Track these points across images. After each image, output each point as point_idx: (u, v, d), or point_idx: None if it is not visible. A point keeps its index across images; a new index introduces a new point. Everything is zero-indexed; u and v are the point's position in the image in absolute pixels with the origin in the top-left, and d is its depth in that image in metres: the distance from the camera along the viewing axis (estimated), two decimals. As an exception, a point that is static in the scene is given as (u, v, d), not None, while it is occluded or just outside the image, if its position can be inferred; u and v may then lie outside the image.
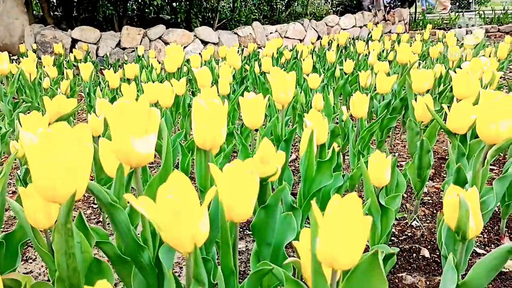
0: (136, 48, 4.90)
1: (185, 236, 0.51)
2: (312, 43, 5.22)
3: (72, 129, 0.56)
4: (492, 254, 0.69)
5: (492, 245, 1.35)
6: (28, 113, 2.62)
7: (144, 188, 0.77)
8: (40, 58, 4.62)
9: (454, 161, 1.11)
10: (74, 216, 1.17)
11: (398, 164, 1.98)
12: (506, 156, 2.03)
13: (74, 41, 5.39)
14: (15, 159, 1.98)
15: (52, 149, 0.53)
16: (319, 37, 7.14)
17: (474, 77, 1.39)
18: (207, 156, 0.89)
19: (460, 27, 8.03)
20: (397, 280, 1.17)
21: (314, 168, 0.97)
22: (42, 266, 1.27)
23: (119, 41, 5.54)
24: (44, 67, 3.08)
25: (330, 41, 5.09)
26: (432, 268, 1.22)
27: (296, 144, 2.31)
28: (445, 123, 1.21)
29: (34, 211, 0.82)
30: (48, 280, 1.21)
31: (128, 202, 0.93)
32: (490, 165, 1.97)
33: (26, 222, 0.84)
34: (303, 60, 2.57)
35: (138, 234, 0.80)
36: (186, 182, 0.52)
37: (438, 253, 1.29)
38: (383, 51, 3.92)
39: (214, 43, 5.98)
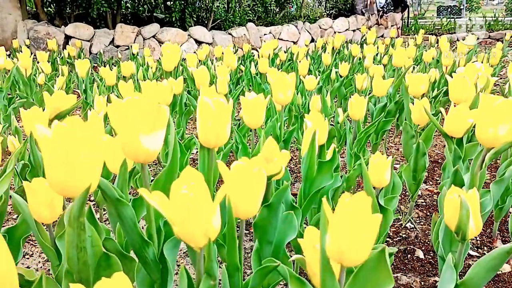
0: (130, 46, 4.89)
1: (198, 231, 0.52)
2: (306, 45, 5.24)
3: (85, 123, 0.56)
4: (491, 255, 0.71)
5: (485, 247, 1.37)
6: (24, 109, 2.60)
7: (150, 185, 0.78)
8: (34, 55, 4.60)
9: (451, 164, 1.13)
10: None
11: (393, 168, 2.00)
12: (498, 161, 2.06)
13: (68, 38, 5.36)
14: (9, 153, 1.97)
15: (66, 143, 0.54)
16: (312, 40, 7.17)
17: (470, 82, 1.41)
18: (211, 154, 0.90)
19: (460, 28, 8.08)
20: (392, 280, 1.18)
21: (315, 169, 0.99)
22: (39, 262, 1.27)
23: (113, 38, 5.52)
24: (38, 62, 3.07)
25: (324, 44, 5.12)
26: (427, 269, 1.24)
27: (292, 146, 2.32)
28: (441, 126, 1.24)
29: (39, 206, 0.82)
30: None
31: (131, 199, 0.94)
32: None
33: (30, 217, 0.84)
34: (299, 62, 2.59)
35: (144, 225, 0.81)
36: (199, 178, 0.53)
37: (432, 254, 1.31)
38: (377, 54, 3.95)
39: (208, 43, 5.98)
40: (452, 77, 1.44)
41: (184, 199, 0.51)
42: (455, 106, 1.19)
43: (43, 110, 1.31)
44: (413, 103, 1.46)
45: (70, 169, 0.54)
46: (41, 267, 1.24)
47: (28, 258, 1.28)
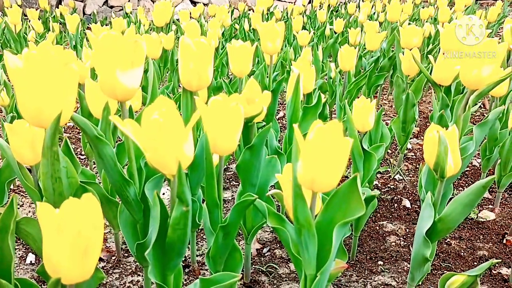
0: (124, 6, 4.80)
1: (170, 156, 0.52)
2: (304, 6, 5.14)
3: (57, 53, 0.56)
4: (468, 190, 0.71)
5: (472, 198, 1.39)
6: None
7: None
8: (25, 14, 4.51)
9: (437, 111, 1.13)
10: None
11: (384, 123, 2.00)
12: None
13: (60, -2, 5.25)
14: (1, 110, 1.97)
15: (37, 71, 0.53)
16: (310, 1, 7.04)
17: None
18: (193, 97, 0.89)
19: None
20: (378, 228, 1.20)
21: (299, 113, 0.98)
22: (29, 212, 1.29)
23: (107, -1, 5.41)
24: (29, 21, 3.02)
25: (321, 4, 5.02)
26: (412, 217, 1.26)
27: (284, 103, 2.31)
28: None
29: (20, 147, 0.82)
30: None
31: (117, 144, 0.94)
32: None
33: (13, 159, 0.84)
34: (294, 18, 2.55)
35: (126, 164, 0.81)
36: (171, 105, 0.53)
37: (418, 204, 1.32)
38: (374, 13, 3.88)
39: (204, 4, 5.87)
40: (444, 27, 1.42)
41: (155, 124, 0.51)
42: (444, 55, 1.18)
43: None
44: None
45: (41, 97, 0.54)
46: (31, 216, 1.25)
47: (18, 208, 1.30)
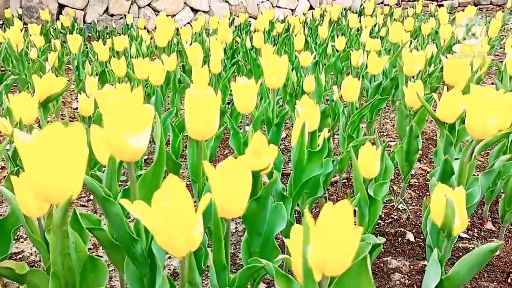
0: (125, 15, 4.80)
1: (180, 241, 0.52)
2: (304, 14, 5.14)
3: (66, 131, 0.56)
4: (475, 251, 0.71)
5: (475, 229, 1.39)
6: (15, 84, 2.57)
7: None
8: (25, 24, 4.52)
9: (441, 151, 1.13)
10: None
11: (387, 145, 2.01)
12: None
13: (61, 7, 5.25)
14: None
15: (46, 153, 0.53)
16: (311, 7, 7.05)
17: (465, 63, 1.40)
18: (200, 146, 0.90)
19: None
20: (382, 264, 1.20)
21: (305, 158, 0.98)
22: (33, 246, 1.29)
23: (107, 7, 5.41)
24: (30, 35, 3.01)
25: (323, 13, 5.02)
26: (416, 252, 1.26)
27: (286, 122, 2.31)
28: (434, 109, 1.23)
29: (26, 201, 0.82)
30: (40, 261, 1.22)
31: (122, 189, 0.94)
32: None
33: (19, 210, 0.84)
34: (295, 35, 2.55)
35: (133, 220, 0.81)
36: (180, 187, 0.53)
37: (422, 237, 1.32)
38: (375, 25, 3.88)
39: (204, 11, 5.88)
40: (447, 57, 1.42)
41: (165, 211, 0.51)
42: (448, 89, 1.18)
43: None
44: (407, 82, 1.44)
45: (50, 178, 0.54)
46: (34, 251, 1.25)
47: (22, 242, 1.30)
